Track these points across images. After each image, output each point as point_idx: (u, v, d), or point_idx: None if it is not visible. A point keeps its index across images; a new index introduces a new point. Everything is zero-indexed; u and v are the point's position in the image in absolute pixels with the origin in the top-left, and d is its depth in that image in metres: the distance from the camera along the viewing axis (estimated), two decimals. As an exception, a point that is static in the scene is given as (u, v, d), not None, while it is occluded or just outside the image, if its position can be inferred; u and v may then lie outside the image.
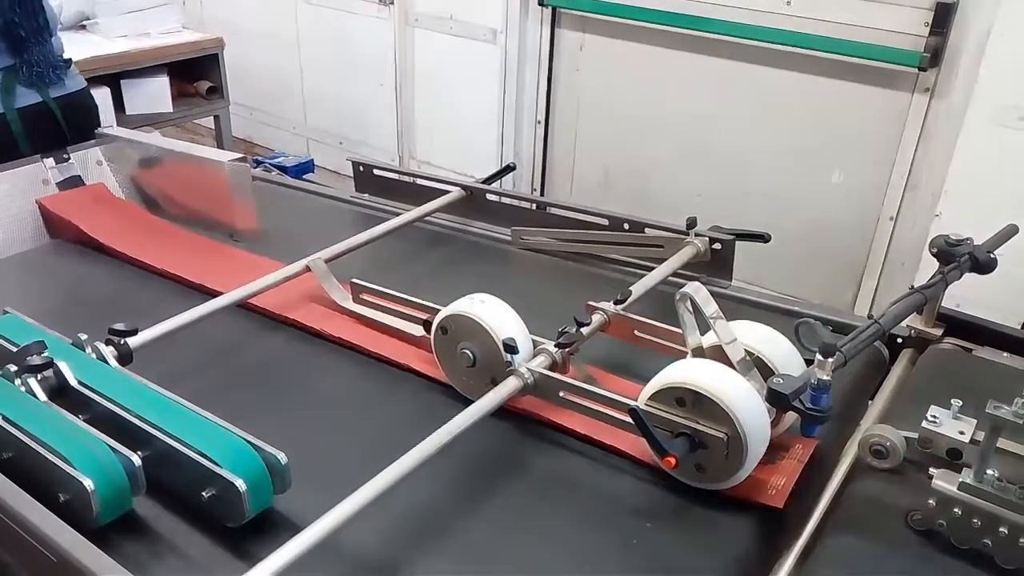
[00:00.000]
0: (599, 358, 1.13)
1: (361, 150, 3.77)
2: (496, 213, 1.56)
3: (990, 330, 1.15)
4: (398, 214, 1.51)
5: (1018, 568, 0.77)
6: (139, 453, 0.85)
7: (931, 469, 0.81)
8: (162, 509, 0.87)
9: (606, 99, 3.12)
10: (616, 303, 1.12)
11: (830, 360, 0.82)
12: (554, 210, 1.51)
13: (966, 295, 1.30)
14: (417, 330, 1.16)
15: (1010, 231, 1.13)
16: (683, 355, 1.02)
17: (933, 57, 2.33)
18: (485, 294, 1.08)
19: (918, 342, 1.18)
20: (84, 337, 1.02)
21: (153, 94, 3.29)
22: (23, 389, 0.93)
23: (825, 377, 0.82)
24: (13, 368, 0.94)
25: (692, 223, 1.32)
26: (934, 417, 0.87)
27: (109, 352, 1.02)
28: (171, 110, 3.34)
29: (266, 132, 4.32)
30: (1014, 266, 1.31)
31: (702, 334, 1.01)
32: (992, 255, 1.08)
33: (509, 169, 1.73)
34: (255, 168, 2.11)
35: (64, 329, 1.05)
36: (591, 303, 1.13)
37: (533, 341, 1.05)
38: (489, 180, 1.60)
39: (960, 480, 0.78)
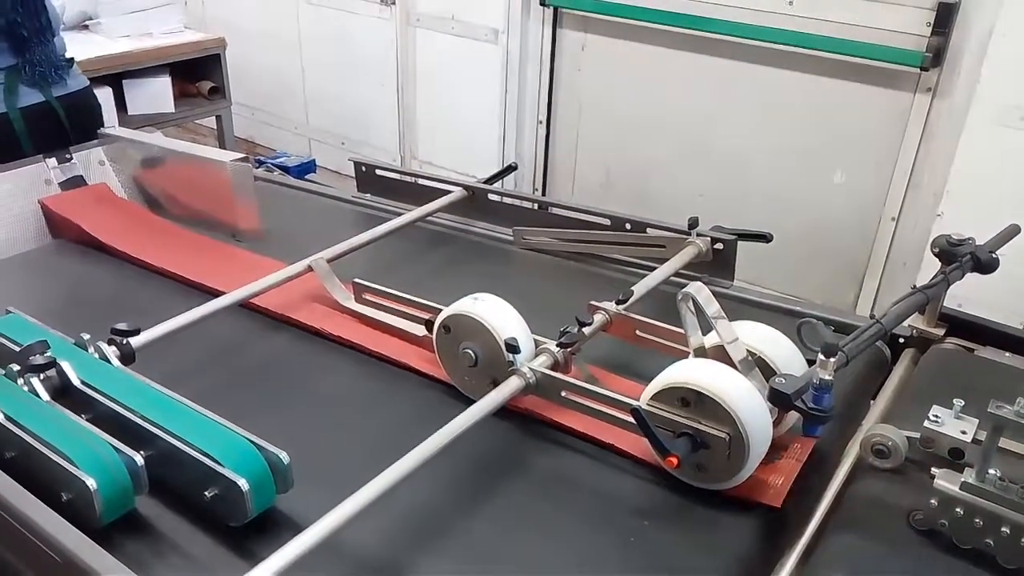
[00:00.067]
0: (601, 358, 1.13)
1: (363, 150, 3.77)
2: (498, 213, 1.56)
3: (992, 330, 1.15)
4: (400, 214, 1.51)
5: (1020, 568, 0.77)
6: (142, 452, 0.85)
7: (933, 469, 0.81)
8: (165, 508, 0.88)
9: (608, 99, 3.12)
10: (618, 303, 1.12)
11: (832, 360, 0.82)
12: (556, 210, 1.51)
13: (968, 295, 1.29)
14: (419, 330, 1.16)
15: (1012, 231, 1.13)
16: (685, 355, 1.02)
17: (935, 57, 2.33)
18: (487, 294, 1.08)
19: (920, 342, 1.18)
20: (87, 337, 1.03)
21: (155, 94, 3.30)
22: (26, 389, 0.93)
23: (827, 377, 0.82)
24: (16, 368, 0.95)
25: (694, 223, 1.32)
26: (936, 417, 0.87)
27: (112, 352, 1.02)
28: (173, 110, 3.34)
29: (268, 132, 4.32)
30: (1016, 266, 1.31)
31: (704, 334, 1.01)
32: (994, 255, 1.08)
33: (511, 169, 1.74)
34: (257, 168, 2.11)
35: (67, 329, 1.05)
36: (593, 303, 1.13)
37: (535, 341, 1.06)
38: (491, 180, 1.60)
39: (962, 480, 0.78)
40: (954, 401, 0.88)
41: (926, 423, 0.87)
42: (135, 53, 3.17)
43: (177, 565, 0.82)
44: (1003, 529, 0.77)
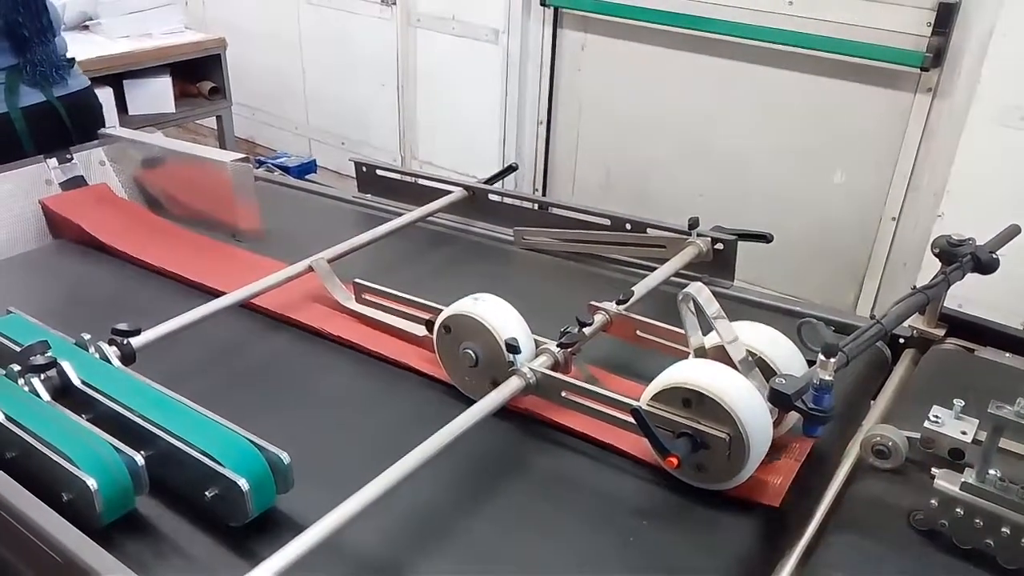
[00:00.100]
0: (601, 358, 1.13)
1: (363, 150, 3.78)
2: (498, 213, 1.56)
3: (992, 330, 1.15)
4: (400, 214, 1.51)
5: (1020, 568, 0.77)
6: (142, 452, 0.85)
7: (933, 469, 0.81)
8: (165, 508, 0.88)
9: (608, 99, 3.12)
10: (618, 303, 1.12)
11: (832, 360, 0.82)
12: (556, 210, 1.51)
13: (968, 295, 1.29)
14: (419, 330, 1.16)
15: (1012, 231, 1.13)
16: (685, 355, 1.02)
17: (935, 57, 2.33)
18: (487, 294, 1.08)
19: (920, 342, 1.18)
20: (87, 337, 1.03)
21: (155, 94, 3.30)
22: (27, 389, 0.93)
23: (827, 377, 0.82)
24: (17, 368, 0.95)
25: (694, 223, 1.32)
26: (936, 417, 0.87)
27: (112, 352, 1.02)
28: (173, 110, 3.35)
29: (268, 132, 4.33)
30: (1016, 266, 1.31)
31: (704, 334, 1.01)
32: (994, 255, 1.08)
33: (511, 169, 1.74)
34: (257, 168, 2.11)
35: (67, 329, 1.05)
36: (593, 303, 1.13)
37: (535, 341, 1.06)
38: (491, 180, 1.60)
39: (962, 480, 0.78)
40: (954, 401, 0.88)
41: (926, 423, 0.87)
42: (135, 53, 3.17)
43: (177, 565, 0.82)
44: (1003, 529, 0.77)
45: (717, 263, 1.33)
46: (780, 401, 0.82)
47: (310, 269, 1.29)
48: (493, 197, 1.57)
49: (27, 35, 1.75)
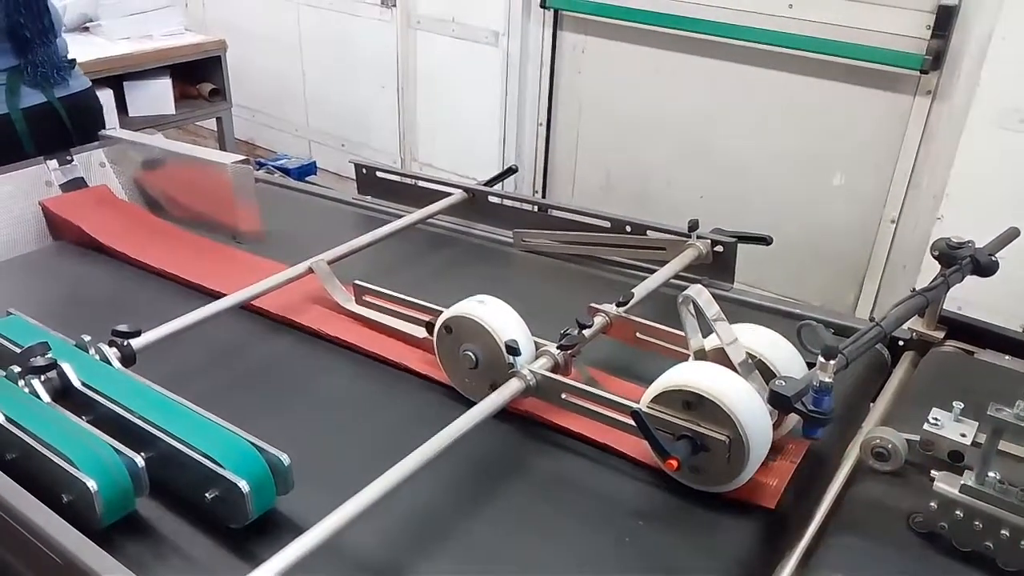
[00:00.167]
0: (601, 360, 1.13)
1: (363, 152, 3.78)
2: (498, 215, 1.56)
3: (992, 333, 1.15)
4: (400, 216, 1.51)
5: (1019, 570, 0.77)
6: (142, 454, 0.85)
7: (932, 471, 0.81)
8: (165, 510, 0.88)
9: (607, 101, 3.13)
10: (618, 305, 1.12)
11: (832, 362, 0.82)
12: (556, 212, 1.51)
13: (967, 298, 1.30)
14: (419, 332, 1.16)
15: (1011, 234, 1.13)
16: (685, 357, 1.02)
17: (935, 60, 2.34)
18: (487, 296, 1.08)
19: (919, 345, 1.18)
20: (87, 338, 1.03)
21: (155, 96, 3.30)
22: (27, 390, 0.93)
23: (827, 379, 0.82)
24: (17, 369, 0.95)
25: (694, 225, 1.33)
26: (935, 419, 0.88)
27: (112, 353, 1.02)
28: (173, 112, 3.35)
29: (268, 134, 4.33)
30: (1016, 269, 1.31)
31: (704, 336, 1.01)
32: (993, 258, 1.08)
33: (511, 171, 1.74)
34: (258, 170, 2.11)
35: (67, 330, 1.05)
36: (593, 305, 1.13)
37: (535, 343, 1.06)
38: (491, 182, 1.61)
39: (961, 482, 0.78)
40: (954, 404, 0.88)
41: (926, 426, 0.87)
42: (135, 55, 3.17)
43: (178, 567, 0.83)
44: (1003, 532, 0.77)
45: (717, 265, 1.33)
46: (780, 403, 0.82)
47: (310, 271, 1.29)
48: (493, 199, 1.57)
49: (29, 36, 1.75)
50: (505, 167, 1.72)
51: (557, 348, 1.03)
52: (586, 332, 1.06)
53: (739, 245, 1.32)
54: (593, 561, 0.85)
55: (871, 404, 1.10)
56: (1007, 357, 1.12)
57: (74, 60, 1.88)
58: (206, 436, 0.86)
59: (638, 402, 0.92)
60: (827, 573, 0.79)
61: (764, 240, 1.31)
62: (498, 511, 0.91)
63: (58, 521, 0.78)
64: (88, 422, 0.90)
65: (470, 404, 0.96)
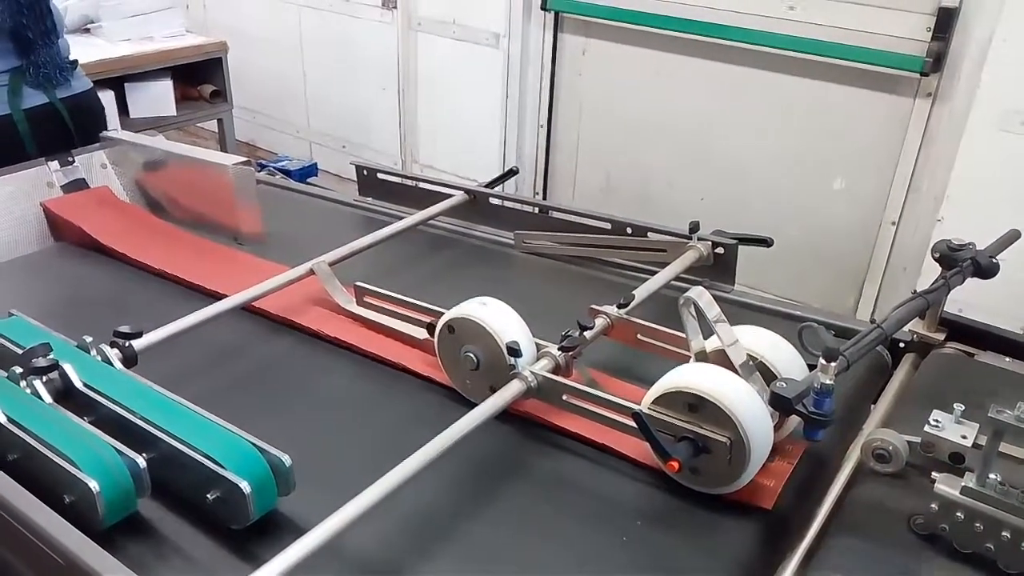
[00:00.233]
0: (602, 362, 1.13)
1: (364, 154, 3.78)
2: (499, 217, 1.57)
3: (992, 335, 1.15)
4: (401, 218, 1.51)
5: (1020, 572, 0.77)
6: (144, 455, 0.85)
7: (933, 473, 0.81)
8: (167, 511, 0.88)
9: (608, 103, 3.13)
10: (619, 307, 1.12)
11: (833, 364, 0.82)
12: (557, 214, 1.51)
13: (968, 300, 1.30)
14: (420, 333, 1.16)
15: (1012, 236, 1.13)
16: (686, 359, 1.02)
17: (935, 62, 2.34)
18: (489, 297, 1.08)
19: (920, 347, 1.18)
20: (89, 339, 1.03)
21: (157, 98, 3.30)
22: (28, 391, 0.93)
23: (828, 381, 0.82)
24: (19, 370, 0.95)
25: (695, 227, 1.33)
26: (936, 421, 0.88)
27: (114, 354, 1.02)
28: (175, 113, 3.35)
29: (269, 136, 4.33)
30: (1016, 271, 1.31)
31: (705, 338, 1.01)
32: (994, 260, 1.08)
33: (512, 173, 1.74)
34: (259, 172, 2.11)
35: (69, 331, 1.06)
36: (594, 307, 1.13)
37: (536, 344, 1.06)
38: (492, 184, 1.61)
39: (962, 484, 0.78)
40: (954, 406, 0.88)
41: (926, 427, 0.87)
42: (136, 56, 3.18)
43: (179, 567, 0.83)
44: (1004, 534, 0.77)
45: (718, 267, 1.33)
46: (781, 405, 0.83)
47: (311, 272, 1.29)
48: (494, 201, 1.57)
49: (31, 37, 1.76)
50: (506, 169, 1.72)
51: (558, 350, 1.03)
52: (587, 334, 1.06)
53: (740, 247, 1.32)
54: (594, 562, 0.85)
55: (872, 406, 1.10)
56: (1008, 359, 1.12)
57: (76, 61, 1.89)
58: (208, 437, 0.86)
59: (639, 404, 0.92)
60: (828, 574, 0.79)
61: (765, 242, 1.31)
62: (499, 512, 0.91)
63: (60, 521, 0.78)
64: (90, 423, 0.90)
65: (470, 405, 0.96)
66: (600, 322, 1.10)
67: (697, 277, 1.32)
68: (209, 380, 1.13)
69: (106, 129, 1.81)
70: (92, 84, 1.96)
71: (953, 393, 0.92)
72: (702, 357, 1.00)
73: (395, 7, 3.50)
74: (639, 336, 1.11)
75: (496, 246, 1.54)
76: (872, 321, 0.96)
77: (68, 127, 1.85)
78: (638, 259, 1.40)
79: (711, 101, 2.85)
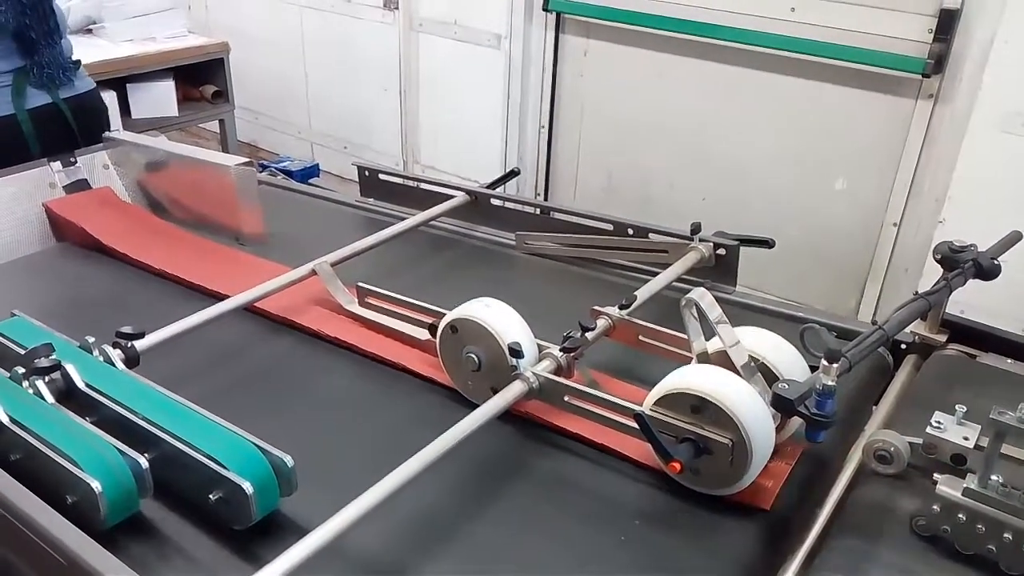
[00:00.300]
0: (604, 363, 1.13)
1: (365, 154, 3.78)
2: (500, 218, 1.57)
3: (994, 336, 1.15)
4: (403, 218, 1.51)
5: (1022, 574, 0.77)
6: (146, 455, 0.85)
7: (935, 475, 0.82)
8: (169, 511, 0.88)
9: (610, 104, 3.13)
10: (621, 308, 1.12)
11: (835, 365, 0.82)
12: (558, 215, 1.51)
13: (970, 301, 1.30)
14: (422, 334, 1.16)
15: (1014, 237, 1.13)
16: (688, 360, 1.02)
17: (937, 63, 2.34)
18: (490, 298, 1.08)
19: (922, 348, 1.18)
20: (91, 340, 1.03)
21: (159, 98, 3.30)
22: (31, 391, 0.93)
23: (830, 382, 0.82)
24: (21, 370, 0.95)
25: (696, 228, 1.33)
26: (938, 423, 0.88)
27: (116, 355, 1.02)
28: (176, 114, 3.35)
29: (271, 136, 4.34)
30: (1018, 272, 1.31)
31: (707, 339, 1.01)
32: (996, 261, 1.08)
33: (513, 174, 1.74)
34: (261, 172, 2.11)
35: (71, 332, 1.06)
36: (596, 308, 1.13)
37: (538, 345, 1.06)
38: (493, 185, 1.61)
39: (964, 486, 0.78)
40: (956, 407, 0.88)
41: (928, 429, 0.87)
42: (139, 57, 3.18)
43: (181, 568, 0.83)
44: (1005, 535, 0.77)
45: (719, 268, 1.33)
46: (783, 406, 0.83)
47: (313, 273, 1.29)
48: (495, 201, 1.58)
49: (34, 37, 1.76)
50: (507, 170, 1.73)
51: (560, 351, 1.03)
52: (589, 335, 1.06)
53: (741, 248, 1.32)
54: (595, 562, 0.85)
55: (873, 407, 1.10)
56: (1009, 360, 1.12)
57: (79, 61, 1.89)
58: (210, 437, 0.86)
59: (641, 405, 0.93)
60: (829, 575, 0.79)
61: (766, 243, 1.32)
62: (500, 512, 0.91)
63: (62, 522, 0.78)
64: (92, 423, 0.90)
65: (471, 406, 0.96)
66: (602, 323, 1.10)
67: (699, 278, 1.32)
68: (211, 381, 1.13)
69: (109, 129, 1.81)
70: (95, 84, 1.96)
71: (955, 394, 0.92)
72: (704, 358, 1.00)
73: (396, 8, 3.50)
74: (641, 337, 1.11)
75: (497, 247, 1.54)
76: (874, 322, 0.96)
77: (71, 127, 1.86)
78: (640, 260, 1.40)
79: (712, 102, 2.85)
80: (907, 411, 1.02)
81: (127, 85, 3.21)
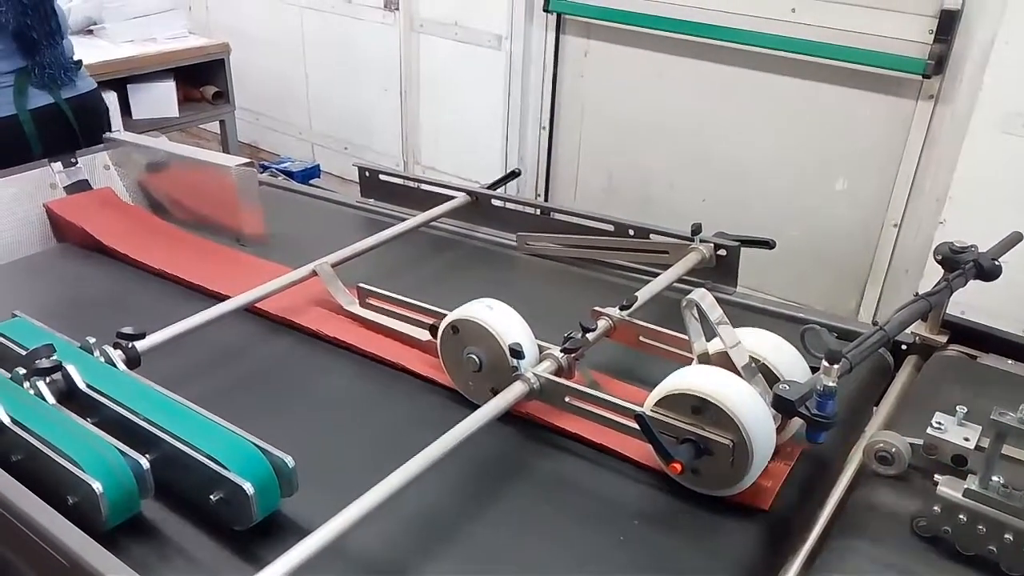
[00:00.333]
0: (604, 363, 1.13)
1: (366, 155, 3.78)
2: (501, 218, 1.57)
3: (995, 337, 1.15)
4: (404, 219, 1.51)
5: (1023, 575, 0.77)
6: (147, 456, 0.85)
7: (936, 476, 0.82)
8: (170, 512, 0.88)
9: (610, 105, 3.13)
10: (621, 309, 1.12)
11: (836, 366, 0.82)
12: (559, 216, 1.51)
13: (971, 302, 1.30)
14: (423, 334, 1.16)
15: (1015, 238, 1.13)
16: (689, 361, 1.02)
17: (937, 64, 2.34)
18: (491, 299, 1.08)
19: (923, 349, 1.18)
20: (92, 340, 1.03)
21: (159, 99, 3.30)
22: (32, 392, 0.93)
23: (831, 383, 0.82)
24: (22, 371, 0.95)
25: (697, 229, 1.33)
26: (939, 424, 0.88)
27: (117, 355, 1.02)
28: (177, 115, 3.35)
29: (271, 137, 4.34)
30: (1018, 273, 1.31)
31: (708, 340, 1.01)
32: (997, 262, 1.08)
33: (514, 175, 1.74)
34: (261, 173, 2.11)
35: (72, 332, 1.06)
36: (596, 308, 1.13)
37: (539, 346, 1.06)
38: (494, 185, 1.61)
39: (965, 487, 0.79)
40: (957, 408, 0.88)
41: (929, 430, 0.87)
42: (139, 58, 3.18)
43: (182, 568, 0.83)
44: (1006, 536, 0.77)
45: (720, 269, 1.33)
46: (784, 407, 0.83)
47: (314, 273, 1.29)
48: (496, 202, 1.58)
49: (36, 38, 1.77)
50: (508, 170, 1.73)
51: (560, 351, 1.03)
52: (589, 335, 1.06)
53: (742, 249, 1.32)
54: (595, 562, 0.85)
55: (874, 408, 1.10)
56: (1010, 361, 1.12)
57: (80, 61, 1.89)
58: (211, 438, 0.87)
59: (641, 406, 0.93)
60: (830, 577, 0.79)
61: (767, 244, 1.32)
62: (501, 513, 0.92)
63: (63, 522, 0.78)
64: (93, 424, 0.90)
65: (472, 406, 0.96)
66: (602, 324, 1.10)
67: (699, 279, 1.32)
68: (212, 381, 1.13)
69: (110, 130, 1.82)
70: (96, 84, 1.96)
71: (955, 395, 0.92)
72: (704, 359, 1.00)
73: (397, 9, 3.50)
74: (641, 338, 1.11)
75: (498, 248, 1.54)
76: (874, 323, 0.96)
77: (73, 127, 1.86)
78: (640, 261, 1.40)
79: (713, 103, 2.85)
80: (908, 412, 1.02)
81: (128, 86, 3.21)
